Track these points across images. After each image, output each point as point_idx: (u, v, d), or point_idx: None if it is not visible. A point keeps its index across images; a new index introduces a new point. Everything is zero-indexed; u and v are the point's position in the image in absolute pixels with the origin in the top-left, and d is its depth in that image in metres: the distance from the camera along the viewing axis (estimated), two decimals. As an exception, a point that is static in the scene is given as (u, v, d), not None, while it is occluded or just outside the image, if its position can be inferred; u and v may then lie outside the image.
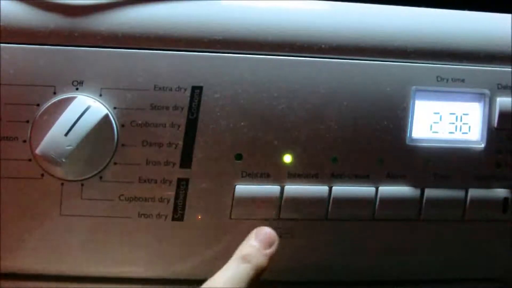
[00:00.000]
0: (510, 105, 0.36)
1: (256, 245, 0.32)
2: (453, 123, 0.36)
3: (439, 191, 0.36)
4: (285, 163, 0.34)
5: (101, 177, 0.33)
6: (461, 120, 0.36)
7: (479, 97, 0.36)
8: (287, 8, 0.35)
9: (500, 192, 0.36)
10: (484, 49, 0.36)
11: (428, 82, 0.35)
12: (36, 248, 0.33)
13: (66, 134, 0.31)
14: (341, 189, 0.35)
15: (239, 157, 0.34)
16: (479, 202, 0.36)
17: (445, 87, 0.35)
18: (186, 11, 0.33)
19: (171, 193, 0.34)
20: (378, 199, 0.35)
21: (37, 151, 0.31)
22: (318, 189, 0.34)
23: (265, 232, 0.33)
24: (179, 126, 0.33)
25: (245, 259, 0.31)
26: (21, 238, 0.33)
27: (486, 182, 0.36)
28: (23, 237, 0.33)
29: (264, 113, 0.34)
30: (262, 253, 0.32)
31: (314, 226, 0.35)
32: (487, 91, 0.36)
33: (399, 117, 0.35)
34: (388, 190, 0.35)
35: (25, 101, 0.32)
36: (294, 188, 0.34)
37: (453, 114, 0.36)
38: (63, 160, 0.31)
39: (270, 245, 0.33)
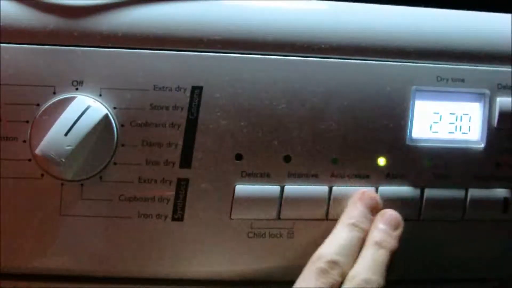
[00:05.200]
0: (510, 105, 0.36)
1: (386, 229, 0.32)
2: (453, 123, 0.36)
3: (439, 191, 0.36)
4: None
5: (101, 177, 0.33)
6: (461, 120, 0.36)
7: (479, 97, 0.36)
8: (287, 8, 0.35)
9: (500, 192, 0.36)
10: (484, 49, 0.36)
11: (428, 82, 0.35)
12: (36, 248, 0.33)
13: (66, 134, 0.31)
14: (341, 189, 0.35)
15: (239, 157, 0.34)
16: (479, 202, 0.36)
17: (445, 87, 0.35)
18: (186, 11, 0.33)
19: (171, 193, 0.33)
20: (378, 199, 0.35)
21: (37, 151, 0.31)
22: (318, 189, 0.34)
23: (390, 214, 0.33)
24: (179, 126, 0.33)
25: (379, 245, 0.32)
26: (21, 238, 0.33)
27: (486, 182, 0.36)
28: (23, 237, 0.33)
29: (264, 113, 0.34)
30: (392, 236, 0.32)
31: (314, 226, 0.35)
32: (487, 91, 0.36)
33: (399, 117, 0.35)
34: (388, 190, 0.35)
35: (25, 101, 0.32)
36: (294, 188, 0.34)
37: (453, 114, 0.36)
38: (63, 160, 0.31)
39: (396, 226, 0.33)
